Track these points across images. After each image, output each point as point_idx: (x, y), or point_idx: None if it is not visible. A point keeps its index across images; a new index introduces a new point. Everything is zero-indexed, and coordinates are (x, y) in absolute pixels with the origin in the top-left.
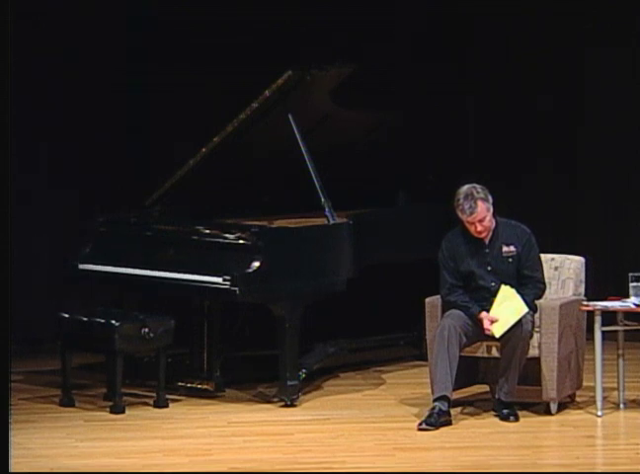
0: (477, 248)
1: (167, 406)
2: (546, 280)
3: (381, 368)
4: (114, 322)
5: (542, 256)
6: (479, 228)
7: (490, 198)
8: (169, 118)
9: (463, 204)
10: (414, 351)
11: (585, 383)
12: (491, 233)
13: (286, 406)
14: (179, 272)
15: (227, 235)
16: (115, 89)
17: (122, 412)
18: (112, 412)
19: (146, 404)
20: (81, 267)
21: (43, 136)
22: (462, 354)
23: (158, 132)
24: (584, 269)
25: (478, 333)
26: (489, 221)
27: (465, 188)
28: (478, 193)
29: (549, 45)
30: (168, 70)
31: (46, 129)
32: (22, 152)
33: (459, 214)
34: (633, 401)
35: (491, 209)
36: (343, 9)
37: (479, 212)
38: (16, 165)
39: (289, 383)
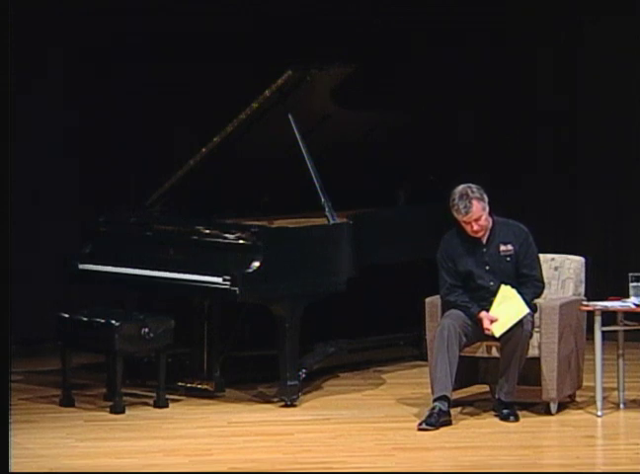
0: (475, 247)
1: (167, 406)
2: (546, 280)
3: (381, 368)
4: (114, 322)
5: (542, 256)
6: (475, 227)
7: (485, 198)
8: (169, 118)
9: (458, 204)
10: (414, 351)
11: (585, 383)
12: (488, 232)
13: (286, 406)
14: (179, 272)
15: (227, 235)
16: (115, 89)
17: (122, 412)
18: (112, 412)
19: (146, 404)
20: (81, 267)
21: (44, 136)
22: (462, 354)
23: (158, 132)
24: (584, 269)
25: (478, 333)
26: (485, 220)
27: (460, 187)
28: (473, 192)
29: (549, 43)
30: (168, 70)
31: (46, 129)
32: (22, 152)
33: (455, 214)
34: (633, 401)
35: (487, 209)
36: (343, 9)
37: (474, 212)
38: (16, 165)
39: (289, 383)
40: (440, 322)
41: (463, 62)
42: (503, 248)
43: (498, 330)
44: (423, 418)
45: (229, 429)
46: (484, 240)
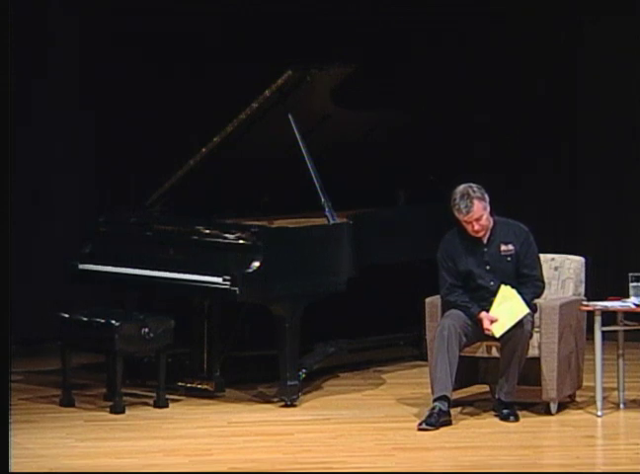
0: (475, 247)
1: (167, 406)
2: (546, 280)
3: (381, 368)
4: (114, 322)
5: (542, 256)
6: (476, 227)
7: (486, 197)
8: (169, 117)
9: (459, 204)
10: (414, 351)
11: (585, 383)
12: (489, 232)
13: (286, 406)
14: (179, 272)
15: (227, 235)
16: (115, 89)
17: (122, 412)
18: (112, 412)
19: (146, 404)
20: (81, 267)
21: (43, 136)
22: (462, 354)
23: (158, 132)
24: (584, 269)
25: (478, 333)
26: (486, 220)
27: (461, 187)
28: (474, 192)
29: (549, 43)
30: (168, 70)
31: (46, 129)
32: (22, 152)
33: (456, 214)
34: (633, 401)
35: (487, 208)
36: (343, 9)
37: (475, 211)
38: (16, 165)
39: (289, 383)
40: (440, 322)
41: (463, 62)
42: (503, 248)
43: (498, 330)
44: (423, 418)
45: (229, 429)
46: (485, 240)
